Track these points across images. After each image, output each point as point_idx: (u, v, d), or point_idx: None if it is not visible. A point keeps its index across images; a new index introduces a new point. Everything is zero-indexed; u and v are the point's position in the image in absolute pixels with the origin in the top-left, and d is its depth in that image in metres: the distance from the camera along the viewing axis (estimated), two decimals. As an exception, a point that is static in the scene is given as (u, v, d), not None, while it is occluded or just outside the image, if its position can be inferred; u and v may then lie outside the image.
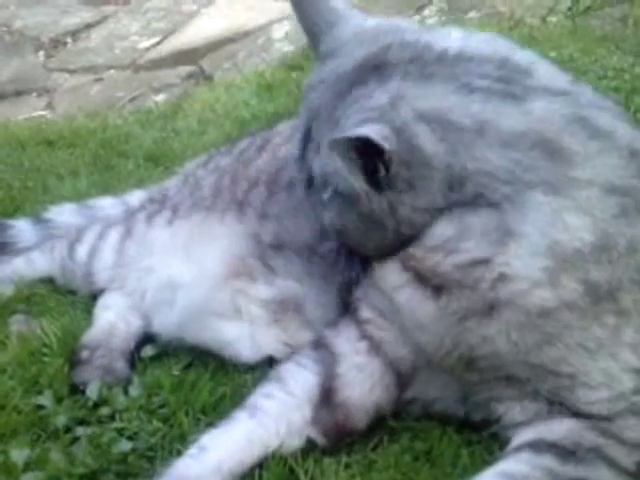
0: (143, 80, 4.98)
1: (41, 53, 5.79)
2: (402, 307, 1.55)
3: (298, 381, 1.62)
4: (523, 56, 1.60)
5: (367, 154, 1.45)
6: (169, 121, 3.89)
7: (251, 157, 2.15)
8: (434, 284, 1.50)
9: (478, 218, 1.46)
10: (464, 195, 1.47)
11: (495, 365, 1.50)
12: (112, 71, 5.29)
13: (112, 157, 3.47)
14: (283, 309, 1.91)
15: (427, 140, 1.46)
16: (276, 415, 1.58)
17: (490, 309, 1.46)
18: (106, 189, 2.93)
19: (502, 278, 1.44)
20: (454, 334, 1.50)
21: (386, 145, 1.43)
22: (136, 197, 2.59)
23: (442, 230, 1.49)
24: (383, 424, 1.65)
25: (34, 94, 5.17)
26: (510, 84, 1.51)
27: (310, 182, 1.66)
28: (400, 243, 1.55)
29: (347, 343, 1.64)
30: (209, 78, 4.74)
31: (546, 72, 1.59)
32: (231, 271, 1.96)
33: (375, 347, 1.62)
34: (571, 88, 1.58)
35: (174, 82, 4.84)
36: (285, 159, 1.98)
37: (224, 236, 2.00)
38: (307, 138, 1.65)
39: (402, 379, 1.63)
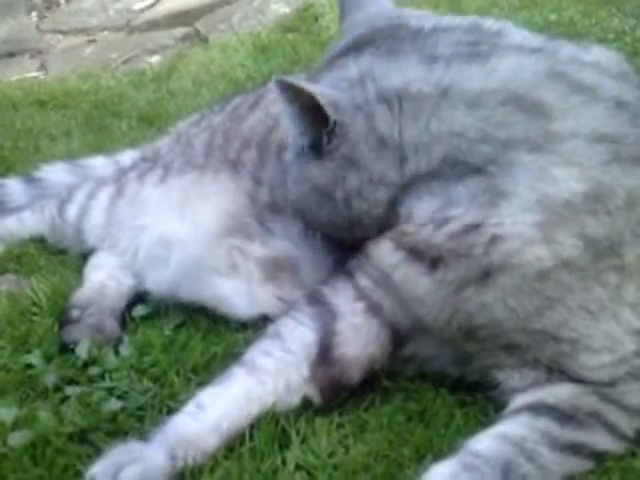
0: (137, 42, 4.93)
1: (34, 14, 5.72)
2: (400, 284, 1.53)
3: (296, 338, 1.60)
4: (496, 22, 1.58)
5: (313, 117, 1.47)
6: (163, 82, 3.85)
7: (243, 114, 2.12)
8: (429, 257, 1.48)
9: (464, 186, 1.44)
10: (431, 163, 1.46)
11: (494, 333, 1.47)
12: (106, 32, 5.23)
13: (105, 118, 3.43)
14: (278, 269, 1.88)
15: (384, 121, 1.48)
16: (274, 373, 1.56)
17: (486, 275, 1.43)
18: (99, 150, 2.89)
19: (495, 240, 1.42)
20: (452, 304, 1.47)
21: (333, 114, 1.46)
22: (128, 156, 2.56)
23: (427, 205, 1.48)
24: (376, 384, 1.63)
25: (27, 55, 5.11)
26: (477, 46, 1.50)
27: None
28: (355, 221, 1.55)
29: (345, 303, 1.61)
30: (204, 40, 4.68)
31: (519, 33, 1.56)
32: (227, 228, 1.93)
33: (373, 309, 1.60)
34: (546, 45, 1.54)
35: (168, 44, 4.78)
36: (277, 117, 1.96)
37: (219, 194, 1.98)
38: None
39: (398, 337, 1.61)
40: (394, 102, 1.48)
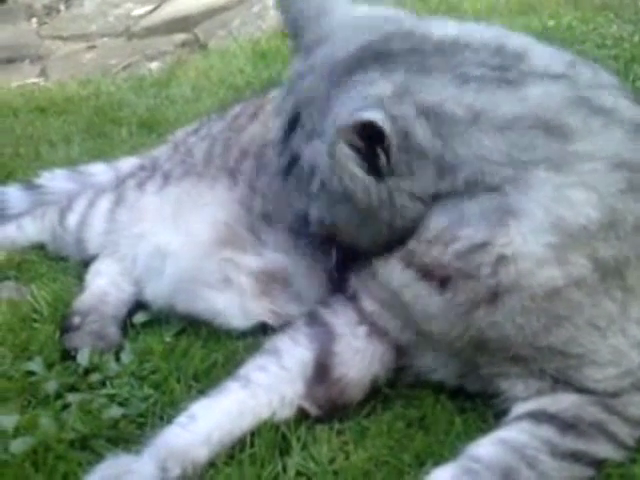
0: (137, 48, 4.94)
1: (34, 20, 5.74)
2: (410, 303, 1.53)
3: (293, 356, 1.60)
4: (518, 41, 1.57)
5: (368, 140, 1.42)
6: (163, 88, 3.85)
7: (243, 124, 2.12)
8: (439, 277, 1.47)
9: (476, 203, 1.43)
10: (455, 183, 1.44)
11: (503, 347, 1.47)
12: (105, 39, 5.24)
13: (105, 124, 3.44)
14: (272, 281, 1.88)
15: (424, 135, 1.44)
16: (268, 387, 1.57)
17: (494, 296, 1.43)
18: (99, 156, 2.89)
19: (502, 260, 1.41)
20: (463, 322, 1.47)
21: (387, 129, 1.40)
22: (128, 164, 2.56)
23: (437, 221, 1.47)
24: (376, 392, 1.63)
25: (27, 61, 5.13)
26: (506, 71, 1.49)
27: (290, 168, 1.62)
28: (392, 238, 1.53)
29: (346, 325, 1.62)
30: (203, 46, 4.69)
31: (542, 56, 1.55)
32: (220, 238, 1.93)
33: (378, 332, 1.60)
34: (568, 71, 1.54)
35: (168, 50, 4.79)
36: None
37: (214, 203, 1.98)
38: (293, 124, 1.61)
39: (400, 351, 1.62)
40: (432, 117, 1.44)
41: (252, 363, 1.62)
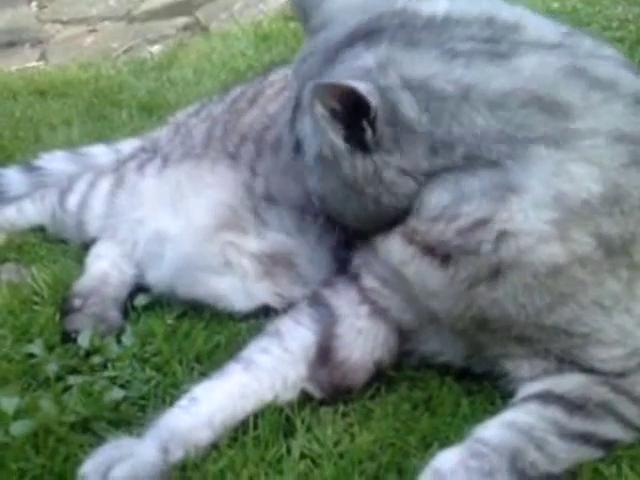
0: (138, 31, 4.90)
1: (34, 4, 5.69)
2: (411, 279, 1.50)
3: (295, 338, 1.58)
4: (511, 12, 1.53)
5: (352, 110, 1.41)
6: (164, 71, 3.82)
7: (243, 108, 2.09)
8: (441, 254, 1.45)
9: (477, 179, 1.41)
10: (453, 159, 1.42)
11: (506, 326, 1.45)
12: (106, 22, 5.20)
13: (105, 107, 3.41)
14: (274, 263, 1.86)
15: (410, 108, 1.42)
16: (271, 370, 1.55)
17: (496, 273, 1.40)
18: (99, 139, 2.86)
19: (503, 236, 1.39)
20: (465, 299, 1.45)
21: (372, 101, 1.39)
22: (128, 145, 2.53)
23: (438, 198, 1.44)
24: (381, 374, 1.61)
25: (27, 45, 5.09)
26: (497, 43, 1.45)
27: (297, 147, 1.62)
28: (379, 215, 1.51)
29: (348, 306, 1.60)
30: (205, 29, 4.66)
31: (537, 26, 1.52)
32: (221, 222, 1.91)
33: (380, 312, 1.58)
34: (565, 40, 1.50)
35: (169, 33, 4.76)
36: (274, 117, 1.94)
37: (214, 185, 1.95)
38: (297, 106, 1.61)
39: (404, 335, 1.60)
40: (418, 91, 1.42)
41: (254, 345, 1.60)
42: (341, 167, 1.48)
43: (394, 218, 1.50)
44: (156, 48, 4.57)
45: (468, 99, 1.41)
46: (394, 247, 1.51)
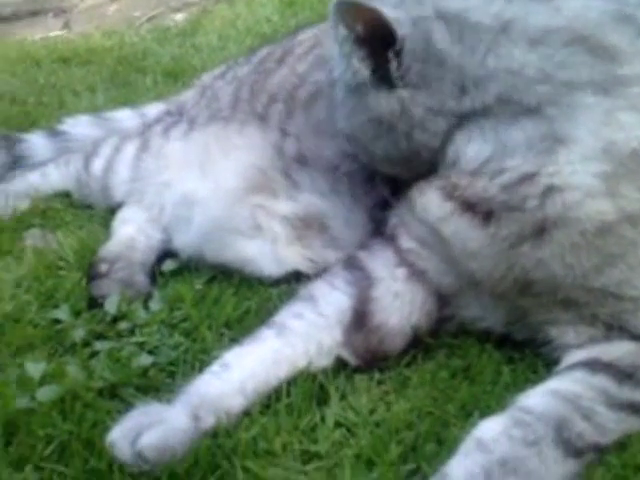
0: (161, 0, 4.83)
1: (56, -27, 5.63)
2: (450, 238, 1.44)
3: (330, 302, 1.52)
4: None
5: (378, 38, 1.35)
6: (188, 38, 3.78)
7: (271, 68, 2.04)
8: (482, 210, 1.38)
9: (520, 130, 1.34)
10: (484, 100, 1.36)
11: (551, 289, 1.39)
12: (129, -10, 5.14)
13: (130, 73, 3.37)
14: (306, 226, 1.81)
15: (442, 38, 1.37)
16: (305, 335, 1.49)
17: (541, 230, 1.34)
18: (124, 105, 2.81)
19: (550, 191, 1.32)
20: (507, 260, 1.38)
21: (399, 29, 1.33)
22: (154, 109, 2.49)
23: (478, 150, 1.38)
24: (418, 340, 1.55)
25: (50, 14, 5.04)
26: None
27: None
28: (412, 155, 1.45)
29: (384, 268, 1.53)
30: (229, -4, 4.59)
31: None
32: (251, 185, 1.85)
33: (417, 274, 1.52)
34: None
35: (193, 1, 4.70)
36: (303, 75, 1.89)
37: (243, 147, 1.90)
38: None
39: (443, 300, 1.53)
40: (453, 22, 1.37)
41: (287, 310, 1.54)
42: (368, 100, 1.42)
43: (428, 162, 1.45)
44: (179, 16, 4.51)
45: (506, 32, 1.35)
46: (432, 203, 1.45)
